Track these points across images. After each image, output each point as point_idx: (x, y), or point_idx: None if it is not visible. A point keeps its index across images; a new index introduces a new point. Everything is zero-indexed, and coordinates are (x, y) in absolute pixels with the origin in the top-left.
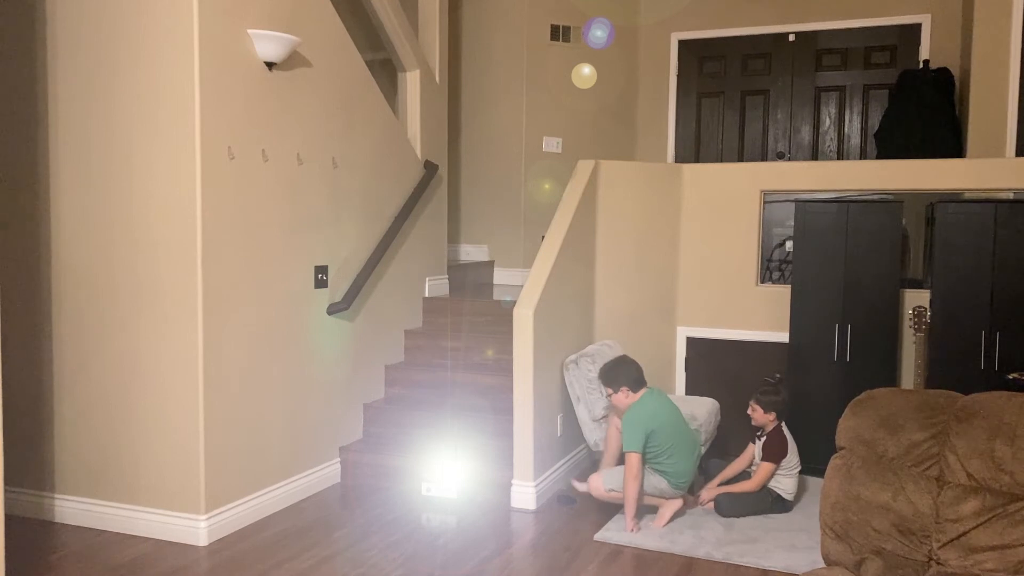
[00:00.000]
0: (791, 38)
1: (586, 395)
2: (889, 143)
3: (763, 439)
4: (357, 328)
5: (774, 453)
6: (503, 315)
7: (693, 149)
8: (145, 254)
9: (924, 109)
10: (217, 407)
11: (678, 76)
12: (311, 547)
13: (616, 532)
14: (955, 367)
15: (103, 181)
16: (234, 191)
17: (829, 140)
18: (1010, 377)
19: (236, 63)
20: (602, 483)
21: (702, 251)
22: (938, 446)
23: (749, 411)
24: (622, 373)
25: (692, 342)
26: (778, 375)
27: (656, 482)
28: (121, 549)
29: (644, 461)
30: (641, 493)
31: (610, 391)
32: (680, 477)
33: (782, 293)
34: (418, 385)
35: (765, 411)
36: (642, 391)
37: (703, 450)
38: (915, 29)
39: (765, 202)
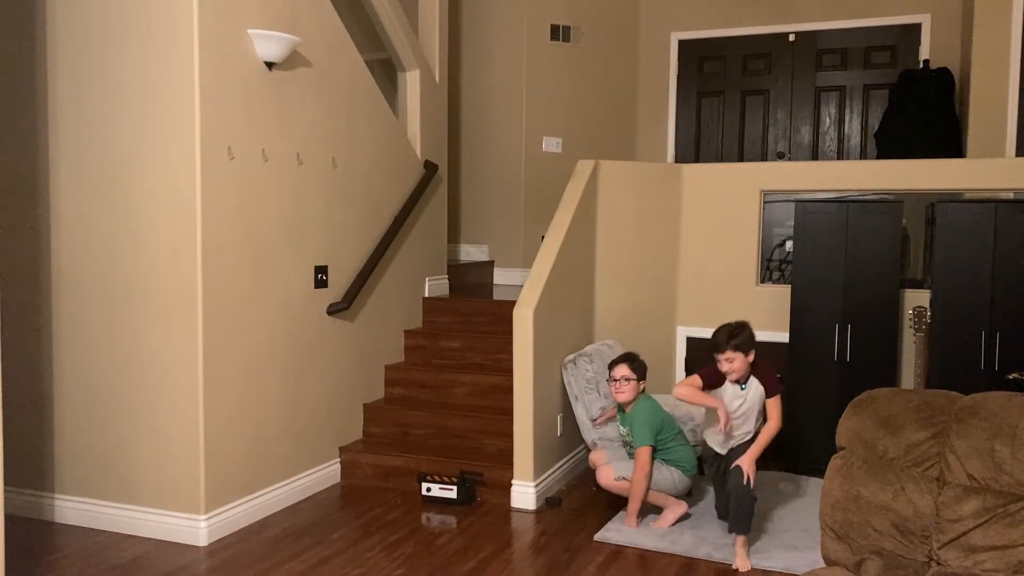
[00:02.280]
0: (791, 38)
1: (584, 395)
2: (889, 143)
3: (750, 378)
4: (357, 328)
5: (776, 383)
6: (503, 315)
7: (693, 149)
8: (145, 254)
9: (924, 109)
10: (217, 407)
11: (678, 76)
12: (311, 547)
13: (616, 532)
14: (955, 367)
15: (103, 181)
16: (234, 191)
17: (829, 140)
18: (1010, 377)
19: (236, 63)
20: (613, 472)
21: (702, 251)
22: (938, 446)
23: (725, 365)
24: (645, 368)
25: (692, 342)
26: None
27: (668, 475)
28: (121, 549)
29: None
30: (648, 488)
31: (637, 378)
32: (689, 462)
33: (782, 293)
34: (418, 385)
35: (747, 354)
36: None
37: (699, 451)
38: (915, 29)
39: (765, 202)
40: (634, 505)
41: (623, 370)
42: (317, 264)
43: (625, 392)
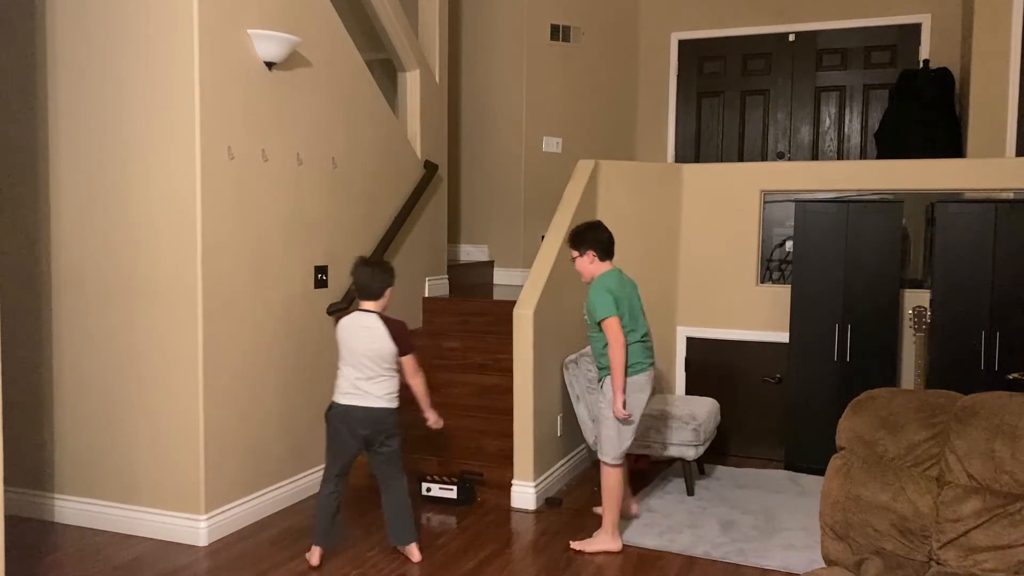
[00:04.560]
0: (791, 38)
1: (585, 394)
2: (889, 143)
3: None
4: None
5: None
6: (503, 315)
7: (693, 149)
8: (145, 254)
9: (924, 109)
10: (217, 407)
11: (678, 76)
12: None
13: None
14: (955, 367)
15: (103, 181)
16: (234, 191)
17: (829, 140)
18: (1010, 377)
19: (236, 63)
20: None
21: (702, 251)
22: (938, 446)
23: (576, 267)
24: (591, 237)
25: (692, 342)
26: (778, 375)
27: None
28: (121, 549)
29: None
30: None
31: (575, 254)
32: (647, 342)
33: (782, 293)
34: None
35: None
36: (608, 264)
37: (701, 451)
38: (915, 29)
39: (765, 202)
40: (616, 382)
41: (567, 251)
42: (317, 264)
43: (578, 269)
